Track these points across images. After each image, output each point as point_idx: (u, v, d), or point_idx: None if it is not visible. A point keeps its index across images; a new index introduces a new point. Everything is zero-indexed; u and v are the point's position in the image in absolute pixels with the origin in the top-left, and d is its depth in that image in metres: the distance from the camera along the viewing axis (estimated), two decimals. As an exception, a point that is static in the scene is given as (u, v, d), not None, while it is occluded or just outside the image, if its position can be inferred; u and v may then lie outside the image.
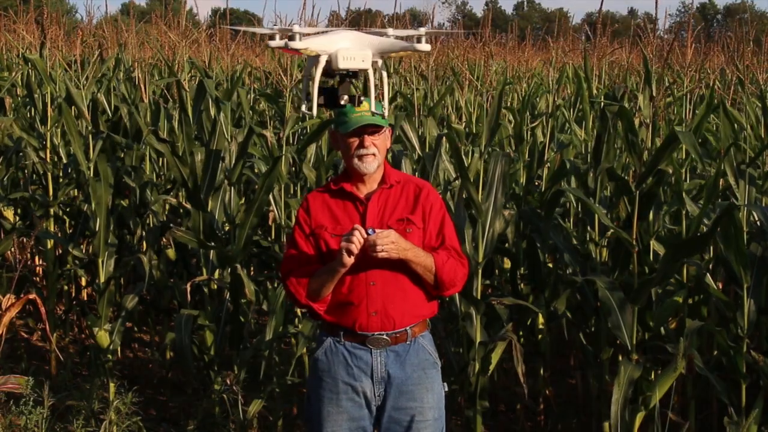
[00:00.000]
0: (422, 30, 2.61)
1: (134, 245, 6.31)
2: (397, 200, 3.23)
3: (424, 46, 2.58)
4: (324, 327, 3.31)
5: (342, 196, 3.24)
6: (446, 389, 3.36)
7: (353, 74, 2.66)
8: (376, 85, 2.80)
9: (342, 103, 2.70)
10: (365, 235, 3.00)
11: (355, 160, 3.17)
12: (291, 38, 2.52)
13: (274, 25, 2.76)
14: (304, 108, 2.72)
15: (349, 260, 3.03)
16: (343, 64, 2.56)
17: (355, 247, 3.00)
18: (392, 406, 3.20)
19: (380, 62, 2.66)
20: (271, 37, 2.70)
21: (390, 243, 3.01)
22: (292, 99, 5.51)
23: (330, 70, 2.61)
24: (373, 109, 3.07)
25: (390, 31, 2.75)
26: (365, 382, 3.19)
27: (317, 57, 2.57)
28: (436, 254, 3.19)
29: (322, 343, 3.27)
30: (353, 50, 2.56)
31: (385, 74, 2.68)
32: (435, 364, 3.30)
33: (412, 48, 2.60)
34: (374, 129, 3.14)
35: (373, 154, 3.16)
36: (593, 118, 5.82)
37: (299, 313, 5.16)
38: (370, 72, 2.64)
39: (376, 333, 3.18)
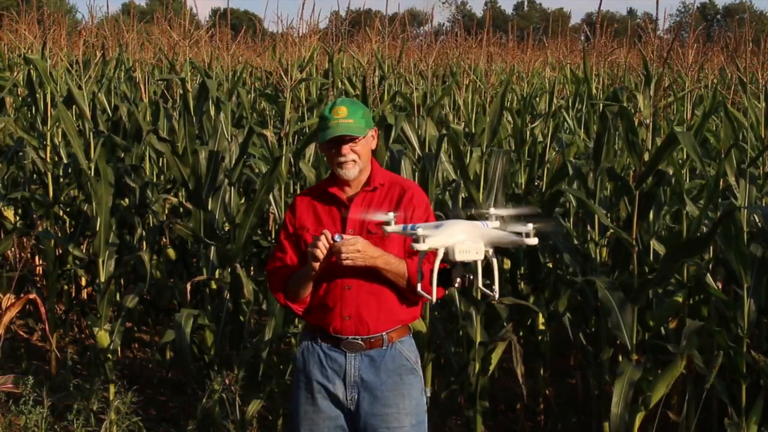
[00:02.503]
0: (530, 226, 2.79)
1: (134, 245, 6.31)
2: (380, 203, 3.21)
3: (532, 240, 2.78)
4: (305, 327, 3.36)
5: (327, 198, 3.25)
6: (428, 394, 3.33)
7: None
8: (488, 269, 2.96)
9: (456, 286, 2.92)
10: (331, 242, 3.00)
11: (336, 167, 3.18)
12: (416, 241, 2.77)
13: (394, 218, 2.97)
14: (419, 289, 2.93)
15: (316, 265, 3.03)
16: (459, 257, 2.79)
17: (320, 252, 3.00)
18: (368, 412, 3.18)
19: (491, 251, 2.86)
20: (387, 223, 2.91)
21: (355, 251, 3.00)
22: (292, 99, 5.51)
23: (446, 259, 2.82)
24: (350, 119, 3.12)
25: (492, 210, 2.93)
26: (338, 384, 3.19)
27: (435, 251, 2.82)
28: (411, 261, 3.15)
29: (301, 343, 3.29)
30: (468, 243, 2.79)
31: (495, 262, 2.87)
32: (413, 370, 3.25)
33: (521, 242, 2.81)
34: (351, 137, 3.14)
35: (353, 161, 3.16)
36: (592, 118, 5.82)
37: (299, 313, 5.15)
38: (479, 262, 2.86)
39: (350, 336, 3.17)
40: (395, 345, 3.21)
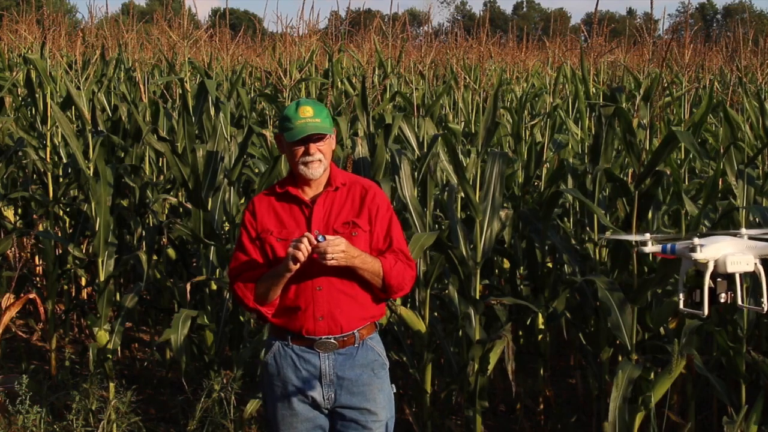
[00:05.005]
0: None
1: (134, 245, 6.31)
2: (343, 203, 3.23)
3: None
4: (272, 330, 3.33)
5: (287, 200, 3.24)
6: (394, 390, 3.37)
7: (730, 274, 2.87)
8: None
9: (722, 301, 2.86)
10: (314, 243, 3.00)
11: (301, 167, 3.18)
12: (692, 250, 2.76)
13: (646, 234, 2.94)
14: (682, 306, 2.86)
15: (295, 267, 3.03)
16: (731, 268, 2.79)
17: (302, 255, 2.99)
18: (346, 408, 3.21)
19: (759, 263, 2.83)
20: (643, 243, 2.89)
21: (340, 252, 3.01)
22: (291, 98, 5.51)
23: (714, 273, 2.82)
24: (317, 118, 3.14)
25: (743, 230, 2.88)
26: (314, 385, 3.20)
27: (705, 263, 2.80)
28: (384, 258, 3.18)
29: (270, 347, 3.28)
30: (738, 255, 2.79)
31: (763, 273, 2.82)
32: (384, 365, 3.31)
33: None
34: (319, 136, 3.16)
35: (319, 160, 3.17)
36: (590, 117, 5.81)
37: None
38: (737, 277, 2.82)
39: (323, 337, 3.19)
40: (366, 341, 3.26)
